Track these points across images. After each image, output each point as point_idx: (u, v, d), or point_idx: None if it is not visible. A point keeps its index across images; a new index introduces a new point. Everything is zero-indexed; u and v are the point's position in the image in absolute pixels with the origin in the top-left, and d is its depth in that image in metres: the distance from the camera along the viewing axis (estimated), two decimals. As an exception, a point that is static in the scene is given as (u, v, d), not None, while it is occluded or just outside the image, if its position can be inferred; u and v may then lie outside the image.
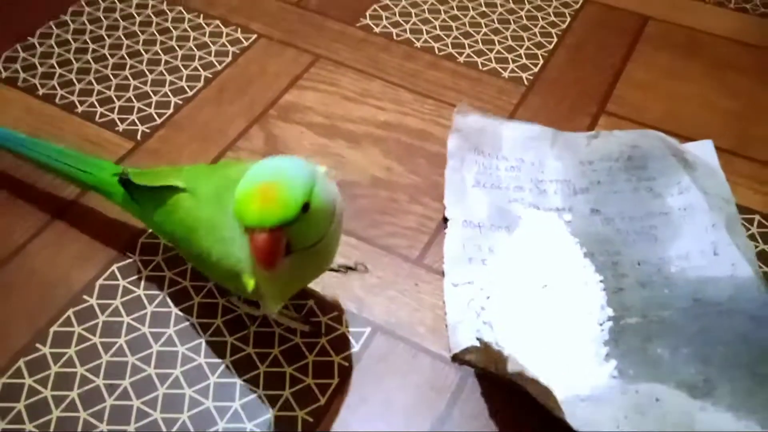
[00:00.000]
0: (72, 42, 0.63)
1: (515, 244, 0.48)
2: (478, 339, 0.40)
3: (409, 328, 0.44)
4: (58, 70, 0.60)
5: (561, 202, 0.50)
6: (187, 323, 0.44)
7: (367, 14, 0.67)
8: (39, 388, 0.41)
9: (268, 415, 0.40)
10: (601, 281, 0.46)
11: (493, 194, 0.50)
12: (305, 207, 0.32)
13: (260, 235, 0.32)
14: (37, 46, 0.62)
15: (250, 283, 0.37)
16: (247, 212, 0.32)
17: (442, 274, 0.47)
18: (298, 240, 0.34)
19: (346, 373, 0.42)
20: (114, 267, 0.47)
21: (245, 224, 0.32)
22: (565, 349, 0.42)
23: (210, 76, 0.60)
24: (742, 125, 0.58)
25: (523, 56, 0.63)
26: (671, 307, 0.44)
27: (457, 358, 0.42)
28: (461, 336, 0.43)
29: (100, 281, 0.46)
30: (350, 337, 0.43)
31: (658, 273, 0.46)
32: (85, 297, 0.45)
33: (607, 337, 0.43)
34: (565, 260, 0.47)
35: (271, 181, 0.32)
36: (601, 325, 0.43)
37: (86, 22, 0.65)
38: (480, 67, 0.62)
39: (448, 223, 0.49)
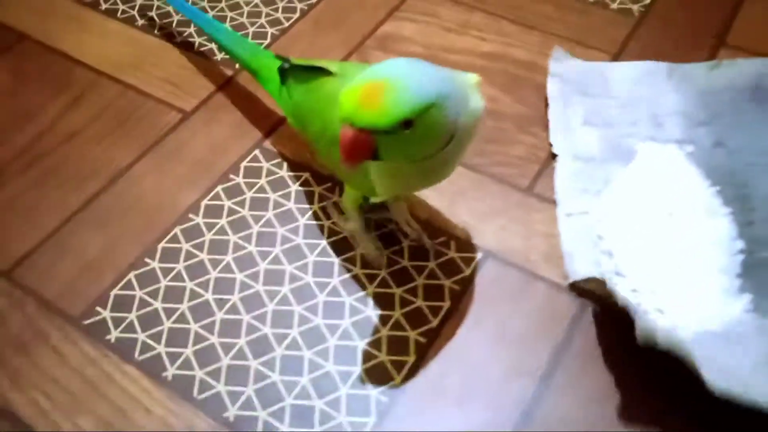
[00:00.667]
0: (168, -24, 0.63)
1: (632, 175, 0.45)
2: (599, 277, 0.38)
3: (522, 254, 0.42)
4: (155, 2, 0.60)
5: (680, 134, 0.47)
6: (294, 243, 0.43)
7: (465, -52, 0.64)
8: (149, 299, 0.41)
9: (380, 333, 0.39)
10: (729, 213, 0.43)
11: (605, 131, 0.48)
12: (406, 123, 0.30)
13: (347, 130, 0.31)
14: (135, -21, 0.63)
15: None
16: (344, 103, 0.31)
17: (555, 203, 0.44)
18: (388, 152, 0.32)
19: (457, 297, 0.40)
20: (219, 188, 0.46)
21: (340, 114, 0.31)
22: (693, 280, 0.39)
23: (305, 8, 0.59)
24: None
25: (633, -12, 0.60)
26: (809, 242, 0.41)
27: (576, 287, 0.40)
28: (578, 264, 0.41)
29: (205, 202, 0.45)
30: (460, 262, 0.42)
31: (793, 207, 0.43)
32: (191, 216, 0.45)
33: (739, 269, 0.40)
34: (689, 190, 0.44)
35: (384, 82, 0.30)
36: (732, 257, 0.41)
37: (181, -43, 0.65)
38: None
39: (557, 158, 0.46)
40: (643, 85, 0.50)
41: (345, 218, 0.43)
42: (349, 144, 0.31)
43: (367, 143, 0.31)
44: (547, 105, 0.50)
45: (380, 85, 0.30)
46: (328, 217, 0.44)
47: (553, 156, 0.47)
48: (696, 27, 0.56)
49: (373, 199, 0.40)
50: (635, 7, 0.58)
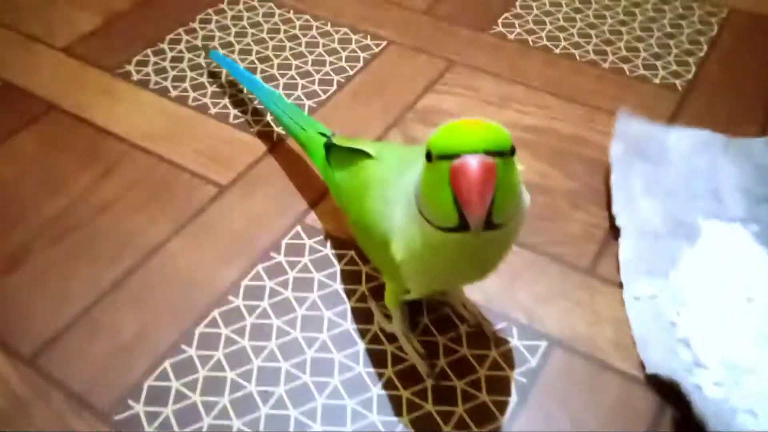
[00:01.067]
0: (202, 48, 0.62)
1: (700, 256, 0.42)
2: (674, 374, 0.35)
3: (589, 342, 0.39)
4: (189, 74, 0.59)
5: (743, 212, 0.45)
6: (342, 328, 0.40)
7: (499, 22, 0.64)
8: (186, 392, 0.37)
9: (442, 432, 0.35)
10: (808, 299, 0.40)
11: (667, 203, 0.46)
12: (513, 149, 0.27)
13: (473, 158, 0.26)
14: (167, 51, 0.62)
15: (399, 252, 0.31)
16: (455, 137, 0.26)
17: (619, 285, 0.42)
18: (501, 197, 0.27)
19: (524, 390, 0.37)
20: (259, 267, 0.43)
21: (454, 149, 0.26)
22: (782, 373, 0.36)
23: (342, 80, 0.58)
24: None
25: (673, 63, 0.59)
26: None
27: (655, 377, 0.37)
28: (653, 353, 0.38)
29: (245, 282, 0.43)
30: (524, 351, 0.39)
31: None
32: (230, 298, 0.42)
33: (829, 361, 0.37)
34: (762, 273, 0.41)
35: (475, 119, 0.28)
36: (819, 347, 0.38)
37: (214, 29, 0.64)
38: (627, 72, 0.58)
39: (621, 232, 0.44)
40: (700, 156, 0.49)
41: (388, 319, 0.40)
42: (479, 173, 0.25)
43: (494, 171, 0.26)
44: (601, 179, 0.48)
45: (477, 120, 0.28)
46: (378, 298, 0.41)
47: (615, 230, 0.45)
48: (743, 102, 0.55)
49: (410, 296, 0.36)
50: (678, 82, 0.57)
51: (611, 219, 0.46)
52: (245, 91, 0.57)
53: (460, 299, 0.40)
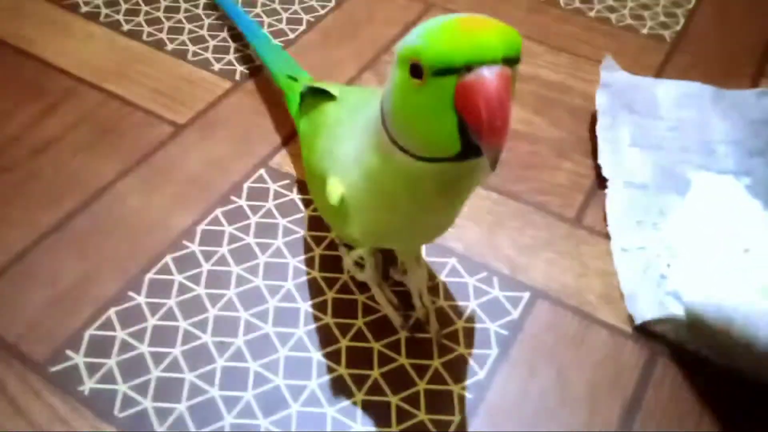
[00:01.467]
0: (159, -19, 0.57)
1: (691, 207, 0.40)
2: (671, 316, 0.33)
3: (576, 295, 0.36)
4: (144, 7, 0.54)
5: (735, 165, 0.43)
6: (309, 276, 0.36)
7: (481, -33, 0.60)
8: (133, 342, 0.33)
9: (416, 387, 0.32)
10: (803, 252, 0.38)
11: (655, 155, 0.43)
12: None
13: (491, 71, 0.20)
14: (121, -17, 0.56)
15: (335, 192, 0.27)
16: (458, 41, 0.20)
17: (606, 236, 0.39)
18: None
19: (506, 342, 0.34)
20: (218, 211, 0.40)
21: (467, 59, 0.20)
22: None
23: (312, 20, 0.54)
24: None
25: (661, 14, 0.56)
26: None
27: (645, 330, 0.34)
28: (643, 306, 0.35)
29: (201, 227, 0.39)
30: (505, 302, 0.36)
31: None
32: (185, 242, 0.38)
33: (826, 315, 0.35)
34: (760, 225, 0.39)
35: (475, 16, 0.21)
36: (816, 301, 0.35)
37: (173, -38, 0.59)
38: (614, 22, 0.55)
39: (608, 183, 0.41)
40: (690, 108, 0.46)
41: (358, 265, 0.36)
42: (500, 89, 0.20)
43: (512, 82, 0.21)
44: (587, 128, 0.45)
45: (478, 17, 0.21)
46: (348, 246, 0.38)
47: (601, 180, 0.42)
48: (733, 55, 0.52)
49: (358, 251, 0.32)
50: (666, 33, 0.54)
51: (598, 169, 0.43)
52: (205, 27, 0.52)
53: (417, 288, 0.35)
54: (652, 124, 0.45)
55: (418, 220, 0.26)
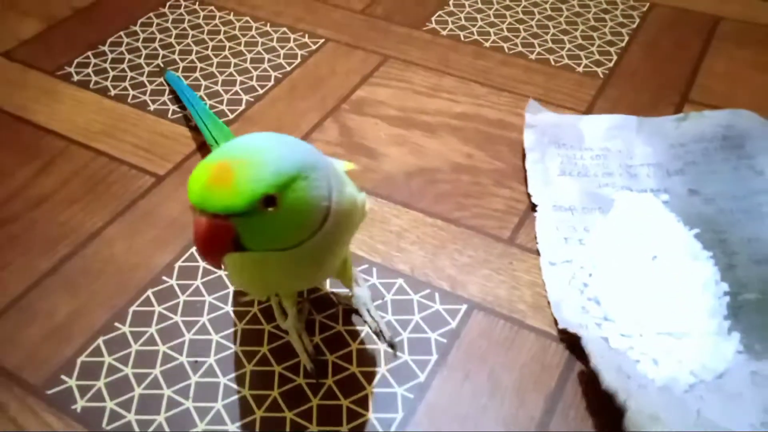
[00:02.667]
0: (142, 49, 0.63)
1: (612, 223, 0.45)
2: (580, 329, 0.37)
3: (508, 304, 0.41)
4: (129, 74, 0.60)
5: (655, 184, 0.48)
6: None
7: (433, 20, 0.67)
8: (119, 365, 0.38)
9: (365, 391, 0.37)
10: (710, 257, 0.42)
11: (582, 181, 0.48)
12: (268, 201, 0.26)
13: (200, 219, 0.26)
14: (108, 53, 0.63)
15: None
16: (192, 188, 0.26)
17: (538, 253, 0.44)
18: (252, 239, 0.27)
19: (445, 349, 0.39)
20: (193, 249, 0.45)
21: (191, 201, 0.26)
22: (683, 323, 0.39)
23: (280, 76, 0.60)
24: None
25: (596, 53, 0.62)
26: (792, 282, 0.41)
27: (567, 333, 0.39)
28: (566, 311, 0.40)
29: (179, 264, 0.44)
30: (445, 314, 0.40)
31: (772, 250, 0.43)
32: (164, 278, 0.43)
33: (726, 311, 0.40)
34: (670, 235, 0.44)
35: (237, 159, 0.26)
36: (718, 299, 0.40)
37: (156, 31, 0.66)
38: (552, 63, 0.61)
39: (537, 208, 0.46)
40: (614, 138, 0.51)
41: (283, 314, 0.40)
42: (203, 234, 0.26)
43: (224, 231, 0.26)
44: (522, 159, 0.51)
45: (233, 162, 0.26)
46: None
47: (533, 207, 0.47)
48: (660, 85, 0.58)
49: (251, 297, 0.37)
50: (600, 70, 0.60)
51: (530, 195, 0.48)
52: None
53: (363, 305, 0.40)
54: (579, 154, 0.50)
55: (289, 281, 0.33)
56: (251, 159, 0.26)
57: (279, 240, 0.28)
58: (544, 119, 0.52)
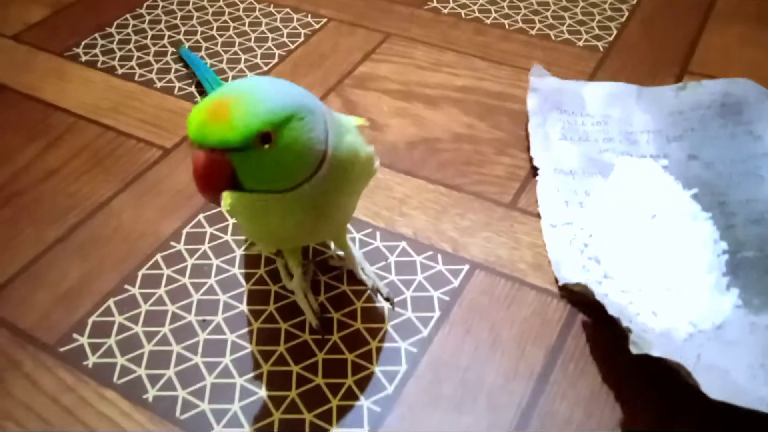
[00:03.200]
0: (148, 30, 0.64)
1: (612, 186, 0.46)
2: (585, 283, 0.38)
3: (509, 264, 0.42)
4: (136, 53, 0.61)
5: (654, 150, 0.48)
6: (273, 266, 0.42)
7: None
8: (129, 324, 0.39)
9: (369, 346, 0.37)
10: (709, 218, 0.43)
11: (582, 146, 0.49)
12: (264, 137, 0.27)
13: (198, 153, 0.27)
14: (115, 34, 0.64)
15: (224, 202, 0.33)
16: (191, 123, 0.27)
17: (538, 216, 0.45)
18: (248, 176, 0.28)
19: (447, 306, 0.39)
20: (200, 216, 0.46)
21: (189, 136, 0.27)
22: (681, 278, 0.39)
23: (284, 54, 0.61)
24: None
25: (596, 28, 0.63)
26: (789, 241, 0.41)
27: (567, 289, 0.40)
28: (566, 271, 0.41)
29: (186, 230, 0.45)
30: (448, 274, 0.41)
31: (770, 210, 0.43)
32: (172, 243, 0.44)
33: (725, 268, 0.40)
34: (670, 196, 0.44)
35: (235, 96, 0.27)
36: (717, 257, 0.41)
37: (161, 14, 0.67)
38: (553, 38, 0.61)
39: (539, 171, 0.47)
40: (614, 106, 0.52)
41: (288, 274, 0.41)
42: (201, 169, 0.26)
43: (221, 166, 0.27)
44: (523, 128, 0.51)
45: (231, 100, 0.27)
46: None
47: (534, 171, 0.48)
48: (660, 58, 0.59)
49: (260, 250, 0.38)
50: (600, 44, 0.61)
51: (532, 161, 0.49)
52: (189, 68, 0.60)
53: (356, 266, 0.40)
54: (580, 120, 0.51)
55: (292, 230, 0.33)
56: (249, 97, 0.27)
57: (274, 180, 0.28)
58: (547, 84, 0.53)
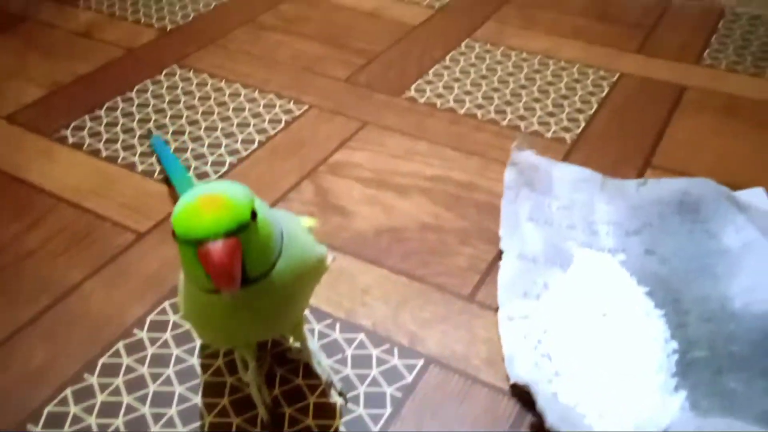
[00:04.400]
0: (136, 113, 0.67)
1: (570, 280, 0.47)
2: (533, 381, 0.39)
3: (464, 360, 0.42)
4: (122, 136, 0.64)
5: (614, 243, 0.50)
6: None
7: (412, 88, 0.70)
8: (83, 415, 0.40)
9: (318, 443, 0.38)
10: (662, 316, 0.44)
11: (547, 231, 0.50)
12: (253, 213, 0.30)
13: (214, 245, 0.28)
14: (103, 117, 0.67)
15: (180, 311, 0.34)
16: (194, 222, 0.28)
17: (495, 310, 0.46)
18: (251, 255, 0.30)
19: (399, 403, 0.40)
20: (166, 303, 0.47)
21: (195, 237, 0.28)
22: (629, 380, 0.40)
23: (264, 139, 0.63)
24: (793, 177, 0.57)
25: (565, 120, 0.65)
26: (740, 340, 0.42)
27: (517, 388, 0.40)
28: (519, 367, 0.41)
29: (151, 316, 0.46)
30: (402, 369, 0.42)
31: (722, 309, 0.44)
32: (135, 331, 0.45)
33: (675, 369, 0.41)
34: (623, 294, 0.45)
35: (217, 191, 0.30)
36: (667, 357, 0.41)
37: (150, 97, 0.70)
38: (523, 129, 0.64)
39: (503, 255, 0.48)
40: (580, 191, 0.54)
41: (244, 367, 0.41)
42: (225, 257, 0.28)
43: (238, 248, 0.29)
44: (490, 217, 0.53)
45: (217, 193, 0.30)
46: (273, 329, 0.45)
47: (499, 255, 0.49)
48: (624, 151, 0.61)
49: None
50: (567, 136, 0.63)
51: (496, 247, 0.50)
52: (171, 150, 0.62)
53: (313, 359, 0.41)
54: (547, 201, 0.52)
55: (243, 329, 0.34)
56: (227, 188, 0.30)
57: (265, 255, 0.31)
58: (525, 158, 0.55)
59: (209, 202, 0.29)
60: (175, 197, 0.56)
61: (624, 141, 0.62)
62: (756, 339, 0.42)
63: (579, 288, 0.46)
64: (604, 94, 0.69)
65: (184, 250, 0.30)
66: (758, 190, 0.54)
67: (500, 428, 0.38)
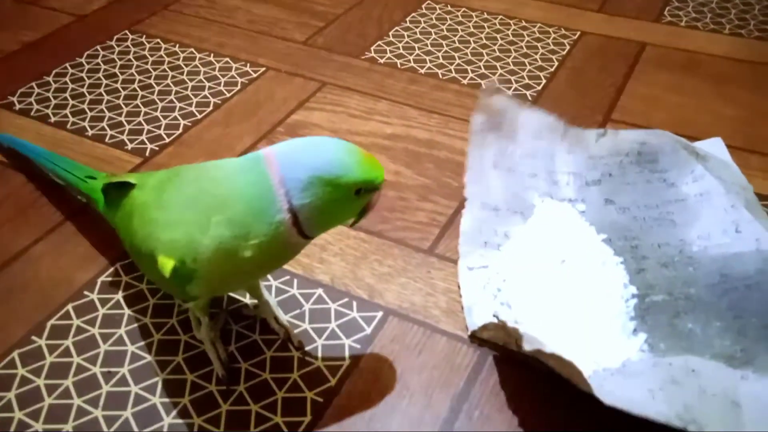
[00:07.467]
0: (86, 79, 0.65)
1: (530, 230, 0.46)
2: (495, 316, 0.38)
3: (423, 311, 0.42)
4: (71, 102, 0.62)
5: (574, 193, 0.49)
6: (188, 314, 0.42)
7: (372, 49, 0.69)
8: (31, 377, 0.38)
9: (275, 396, 0.37)
10: (621, 263, 0.44)
11: (510, 178, 0.50)
12: None
13: (379, 193, 0.35)
14: (52, 83, 0.64)
15: (167, 265, 0.33)
16: (377, 172, 0.33)
17: (455, 262, 0.45)
18: None
19: (357, 354, 0.39)
20: (118, 265, 0.45)
21: (379, 180, 0.34)
22: (588, 325, 0.40)
23: (219, 102, 0.62)
24: (747, 129, 0.58)
25: (526, 77, 0.65)
26: (697, 284, 0.42)
27: (475, 337, 0.40)
28: (477, 316, 0.41)
29: (102, 278, 0.44)
30: (361, 321, 0.41)
31: (680, 254, 0.44)
32: (86, 293, 0.43)
33: (633, 313, 0.41)
34: (582, 242, 0.45)
35: (347, 144, 0.33)
36: (626, 301, 0.41)
37: (101, 63, 0.67)
38: (483, 87, 0.63)
39: (466, 203, 0.48)
40: (542, 139, 0.53)
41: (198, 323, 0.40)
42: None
43: None
44: (449, 174, 0.52)
45: (351, 145, 0.33)
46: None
47: (463, 200, 0.48)
48: (584, 107, 0.60)
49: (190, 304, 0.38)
50: (528, 93, 0.62)
51: (456, 203, 0.49)
52: (123, 114, 0.60)
53: (270, 314, 0.41)
54: (511, 148, 0.52)
55: (254, 271, 0.35)
56: (336, 141, 0.33)
57: None
58: (494, 102, 0.54)
59: (359, 151, 0.33)
60: (132, 158, 0.55)
61: (584, 97, 0.62)
62: (713, 282, 0.42)
63: (539, 237, 0.46)
64: (564, 52, 0.69)
65: (357, 199, 0.33)
66: (716, 140, 0.55)
67: (458, 376, 0.38)
